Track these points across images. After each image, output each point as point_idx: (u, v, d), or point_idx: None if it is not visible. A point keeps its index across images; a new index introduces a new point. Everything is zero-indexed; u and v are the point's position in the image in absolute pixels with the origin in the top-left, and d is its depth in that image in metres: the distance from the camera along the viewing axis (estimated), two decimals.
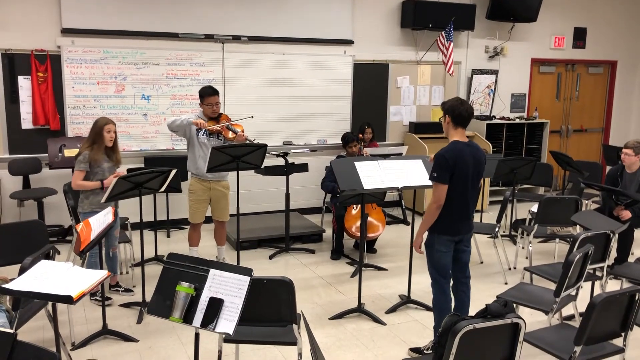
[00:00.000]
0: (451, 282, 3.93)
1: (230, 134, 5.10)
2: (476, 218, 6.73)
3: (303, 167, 6.22)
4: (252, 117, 5.47)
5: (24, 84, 6.09)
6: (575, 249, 3.66)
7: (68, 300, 2.62)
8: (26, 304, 3.49)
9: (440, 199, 3.62)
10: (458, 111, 3.67)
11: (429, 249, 3.80)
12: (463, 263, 3.89)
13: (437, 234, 3.73)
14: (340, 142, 6.60)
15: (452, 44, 7.45)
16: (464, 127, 3.72)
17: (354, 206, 5.86)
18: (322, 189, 6.35)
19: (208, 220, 5.45)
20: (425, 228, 3.75)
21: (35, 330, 4.15)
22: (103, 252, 4.66)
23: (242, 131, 5.13)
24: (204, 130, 5.10)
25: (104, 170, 4.58)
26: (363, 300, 4.69)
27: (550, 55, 8.95)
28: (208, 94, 5.12)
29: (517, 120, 8.57)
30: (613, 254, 5.39)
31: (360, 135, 6.91)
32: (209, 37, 6.75)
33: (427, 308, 4.64)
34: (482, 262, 5.88)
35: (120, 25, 6.35)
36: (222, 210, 5.36)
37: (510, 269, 5.72)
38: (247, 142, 5.04)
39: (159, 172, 4.39)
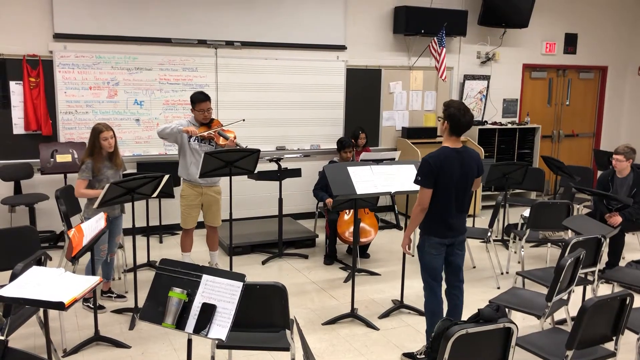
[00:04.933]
0: (444, 286, 3.95)
1: (222, 140, 5.09)
2: (468, 223, 6.77)
3: (296, 172, 6.22)
4: (244, 119, 5.45)
5: (16, 89, 6.07)
6: (566, 254, 3.68)
7: (59, 306, 2.61)
8: (17, 311, 3.48)
9: (424, 202, 3.70)
10: (457, 120, 3.67)
11: (420, 252, 3.84)
12: (456, 267, 3.90)
13: (426, 235, 3.79)
14: (333, 147, 6.61)
15: (444, 49, 7.49)
16: (458, 136, 3.74)
17: (347, 211, 5.86)
18: (314, 197, 6.32)
19: (200, 225, 5.44)
20: (412, 230, 3.85)
21: (26, 337, 4.12)
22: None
23: (234, 137, 5.12)
24: (194, 136, 5.08)
25: (108, 177, 4.58)
26: (356, 305, 4.69)
27: (542, 61, 9.00)
28: (199, 100, 5.10)
29: (509, 126, 8.62)
30: (604, 258, 5.43)
31: (354, 140, 6.91)
32: (202, 43, 6.75)
33: (420, 313, 4.65)
34: (474, 267, 5.89)
35: (112, 31, 6.34)
36: (214, 216, 5.35)
37: (502, 273, 5.75)
38: (237, 147, 5.03)
39: (152, 177, 4.38)
